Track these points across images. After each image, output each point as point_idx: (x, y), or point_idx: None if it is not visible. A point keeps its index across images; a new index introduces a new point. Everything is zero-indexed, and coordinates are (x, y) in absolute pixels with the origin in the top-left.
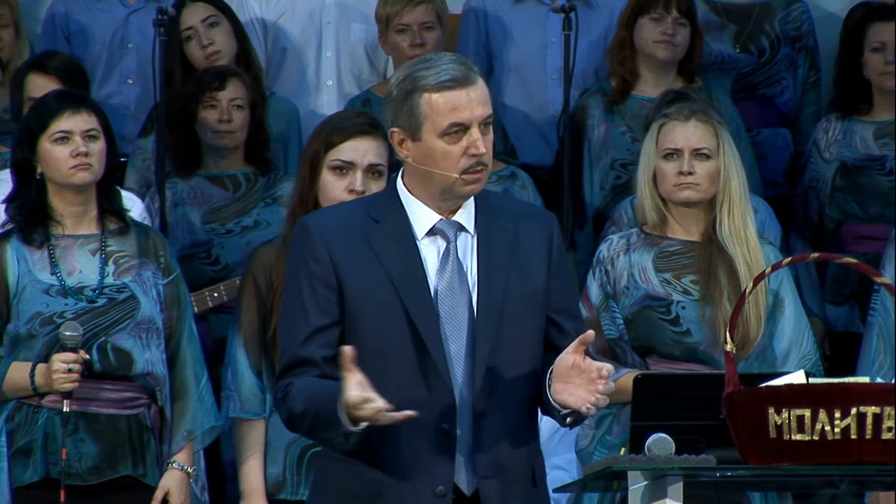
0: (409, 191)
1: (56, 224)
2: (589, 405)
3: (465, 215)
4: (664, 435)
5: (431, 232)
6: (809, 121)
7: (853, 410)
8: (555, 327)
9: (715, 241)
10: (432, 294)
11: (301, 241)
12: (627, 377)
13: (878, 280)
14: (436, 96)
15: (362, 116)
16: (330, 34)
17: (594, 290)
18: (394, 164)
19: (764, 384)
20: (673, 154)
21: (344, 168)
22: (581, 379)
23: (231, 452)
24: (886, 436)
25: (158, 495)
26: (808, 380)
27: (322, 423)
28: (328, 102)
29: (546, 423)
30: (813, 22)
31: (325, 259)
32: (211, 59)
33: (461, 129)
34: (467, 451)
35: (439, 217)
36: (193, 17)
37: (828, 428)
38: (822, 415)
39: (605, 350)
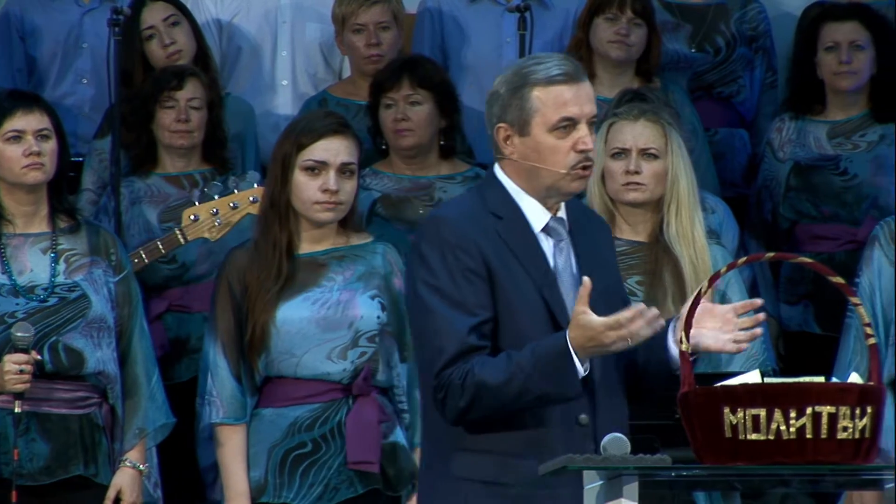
0: (515, 184)
1: (7, 223)
2: (734, 343)
3: (563, 212)
4: (619, 434)
5: (544, 229)
6: (767, 121)
7: (808, 410)
8: None
9: (662, 241)
10: (560, 289)
11: (445, 234)
12: None
13: (832, 280)
14: (547, 90)
15: (332, 117)
16: (285, 34)
17: None
18: (362, 164)
19: (719, 384)
20: (621, 153)
21: (316, 168)
22: (715, 321)
23: (209, 458)
24: (842, 435)
25: (111, 494)
26: (763, 379)
27: (543, 375)
28: (283, 103)
29: None
30: (769, 22)
31: (476, 252)
32: (172, 59)
33: (570, 124)
34: (595, 439)
35: (550, 215)
36: (154, 16)
37: (783, 427)
38: (778, 414)
39: None
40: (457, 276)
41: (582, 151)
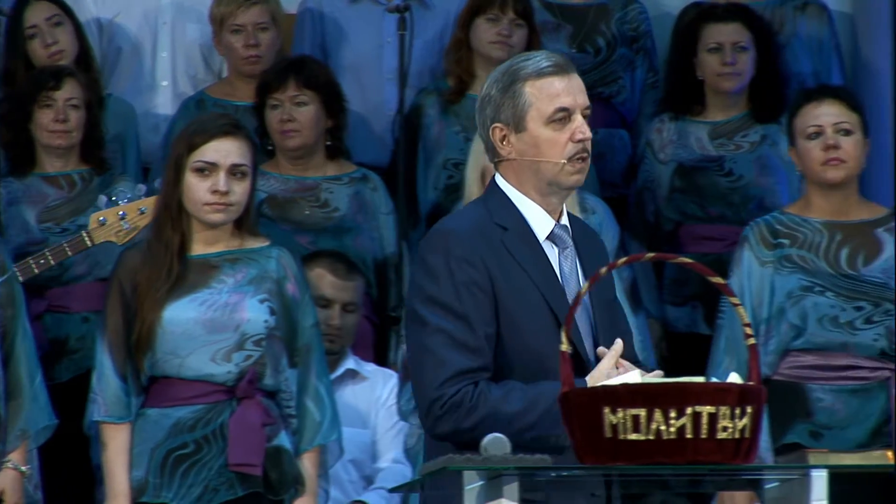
0: (517, 190)
1: None
2: None
3: (566, 221)
4: (500, 435)
5: (549, 237)
6: (648, 121)
7: (688, 410)
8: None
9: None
10: (568, 298)
11: (450, 246)
12: None
13: (712, 280)
14: (539, 83)
15: (224, 118)
16: (165, 34)
17: None
18: (257, 166)
19: (599, 384)
20: None
21: (206, 169)
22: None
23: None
24: (721, 435)
25: None
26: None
27: (556, 419)
28: (163, 103)
29: (382, 419)
30: (651, 23)
31: (481, 265)
32: (54, 59)
33: (566, 115)
34: None
35: (554, 222)
36: (37, 15)
37: (663, 427)
38: (658, 414)
39: None
40: (461, 289)
41: (580, 141)
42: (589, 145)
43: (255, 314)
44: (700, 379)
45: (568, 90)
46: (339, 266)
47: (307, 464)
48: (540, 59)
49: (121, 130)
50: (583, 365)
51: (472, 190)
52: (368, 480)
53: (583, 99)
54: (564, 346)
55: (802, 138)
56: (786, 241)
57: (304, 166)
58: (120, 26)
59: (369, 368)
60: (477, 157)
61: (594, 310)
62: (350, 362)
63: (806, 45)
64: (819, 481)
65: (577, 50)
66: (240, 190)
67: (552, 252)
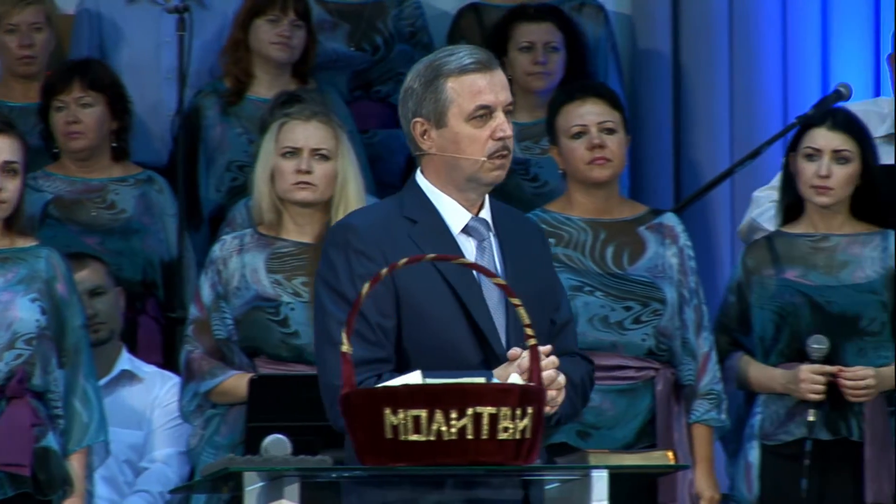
0: (434, 186)
1: None
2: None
3: (487, 214)
4: (281, 436)
5: (464, 229)
6: None
7: (469, 411)
8: (552, 325)
9: None
10: (481, 290)
11: (349, 240)
12: (236, 379)
13: (494, 282)
14: (462, 79)
15: None
16: None
17: (206, 290)
18: (34, 166)
19: (380, 384)
20: (293, 153)
21: None
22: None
23: None
24: (502, 436)
25: None
26: (424, 380)
27: None
28: None
29: (156, 417)
30: (426, 18)
31: (380, 258)
32: None
33: (487, 112)
34: None
35: (470, 215)
36: None
37: (444, 428)
38: (439, 415)
39: (215, 350)
40: (358, 282)
41: (500, 139)
42: (510, 143)
43: (26, 313)
44: (481, 380)
45: (490, 87)
46: (70, 260)
47: (75, 465)
48: (463, 55)
49: None
50: (497, 359)
51: (263, 190)
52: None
53: (505, 96)
54: (345, 348)
55: (566, 137)
56: (552, 241)
57: (89, 168)
58: None
59: (146, 369)
60: (266, 158)
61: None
62: (125, 363)
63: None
64: (600, 482)
65: (355, 48)
66: (11, 188)
67: (468, 245)
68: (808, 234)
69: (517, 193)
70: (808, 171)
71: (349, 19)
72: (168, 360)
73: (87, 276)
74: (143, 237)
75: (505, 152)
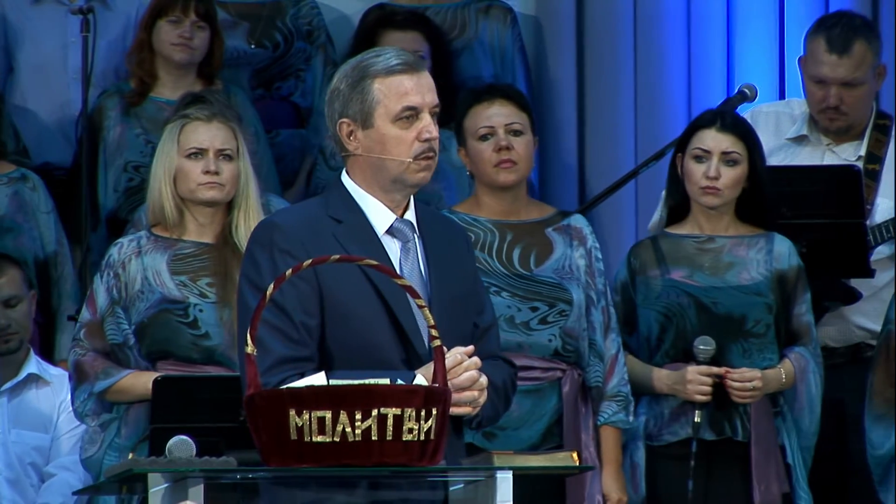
0: (359, 186)
1: None
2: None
3: (412, 215)
4: (185, 437)
5: (389, 230)
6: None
7: (374, 412)
8: (475, 329)
9: (231, 243)
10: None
11: (273, 239)
12: (132, 377)
13: (398, 282)
14: (388, 80)
15: None
16: None
17: (101, 293)
18: None
19: (285, 386)
20: (198, 153)
21: None
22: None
23: None
24: (407, 437)
25: None
26: (328, 381)
27: None
28: None
29: (62, 422)
30: (323, 17)
31: (305, 257)
32: None
33: (413, 113)
34: None
35: (395, 216)
36: None
37: (349, 429)
38: (344, 416)
39: (107, 354)
40: (284, 281)
41: (426, 140)
42: (436, 144)
43: None
44: (385, 381)
45: (417, 88)
46: None
47: None
48: (390, 56)
49: None
50: (419, 359)
51: (164, 192)
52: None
53: (431, 97)
54: (250, 349)
55: (474, 139)
56: None
57: None
58: None
59: (53, 372)
60: (167, 159)
61: (434, 305)
62: (33, 366)
63: (488, 48)
64: (505, 483)
65: (255, 45)
66: None
67: (392, 246)
68: (694, 235)
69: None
70: (696, 172)
71: (248, 18)
72: (45, 358)
73: (5, 284)
74: (17, 236)
75: (431, 154)
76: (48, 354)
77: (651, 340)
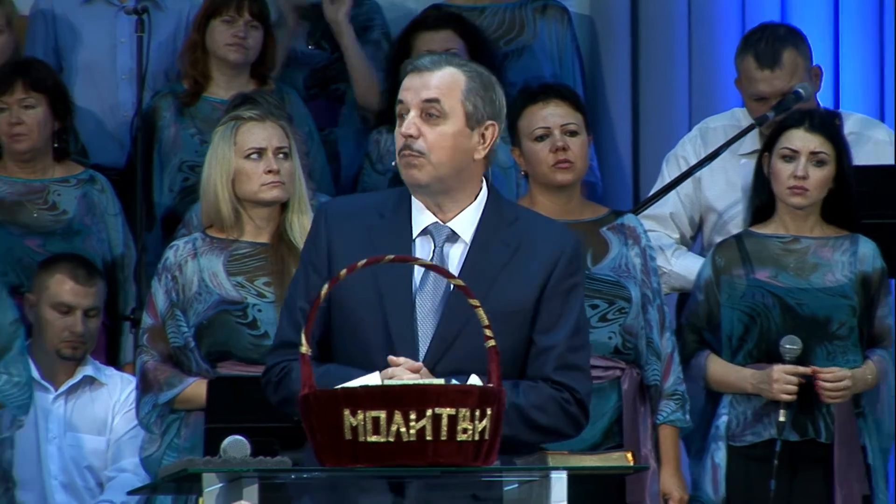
0: None
1: None
2: None
3: (463, 222)
4: (240, 437)
5: (424, 232)
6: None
7: (428, 412)
8: (532, 347)
9: (286, 241)
10: (413, 296)
11: (313, 224)
12: (195, 386)
13: (453, 282)
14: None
15: None
16: None
17: (160, 297)
18: None
19: (339, 386)
20: (258, 154)
21: None
22: None
23: None
24: (461, 437)
25: None
26: (382, 381)
27: None
28: None
29: (118, 425)
30: (384, 16)
31: (323, 248)
32: None
33: (404, 110)
34: None
35: (434, 219)
36: None
37: (403, 429)
38: (398, 416)
39: (170, 358)
40: (303, 266)
41: (404, 137)
42: (413, 142)
43: None
44: (440, 381)
45: (411, 85)
46: (80, 271)
47: None
48: (418, 57)
49: None
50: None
51: (222, 194)
52: (104, 488)
53: (426, 93)
54: (304, 349)
55: (529, 140)
56: None
57: (31, 169)
58: None
59: (108, 373)
60: (224, 161)
61: (451, 317)
62: (88, 368)
63: (546, 48)
64: (559, 483)
65: (313, 46)
66: None
67: (424, 249)
68: (779, 236)
69: None
70: (784, 171)
71: (309, 17)
72: (111, 361)
73: (92, 294)
74: (85, 238)
75: (407, 151)
76: (113, 358)
77: (733, 340)
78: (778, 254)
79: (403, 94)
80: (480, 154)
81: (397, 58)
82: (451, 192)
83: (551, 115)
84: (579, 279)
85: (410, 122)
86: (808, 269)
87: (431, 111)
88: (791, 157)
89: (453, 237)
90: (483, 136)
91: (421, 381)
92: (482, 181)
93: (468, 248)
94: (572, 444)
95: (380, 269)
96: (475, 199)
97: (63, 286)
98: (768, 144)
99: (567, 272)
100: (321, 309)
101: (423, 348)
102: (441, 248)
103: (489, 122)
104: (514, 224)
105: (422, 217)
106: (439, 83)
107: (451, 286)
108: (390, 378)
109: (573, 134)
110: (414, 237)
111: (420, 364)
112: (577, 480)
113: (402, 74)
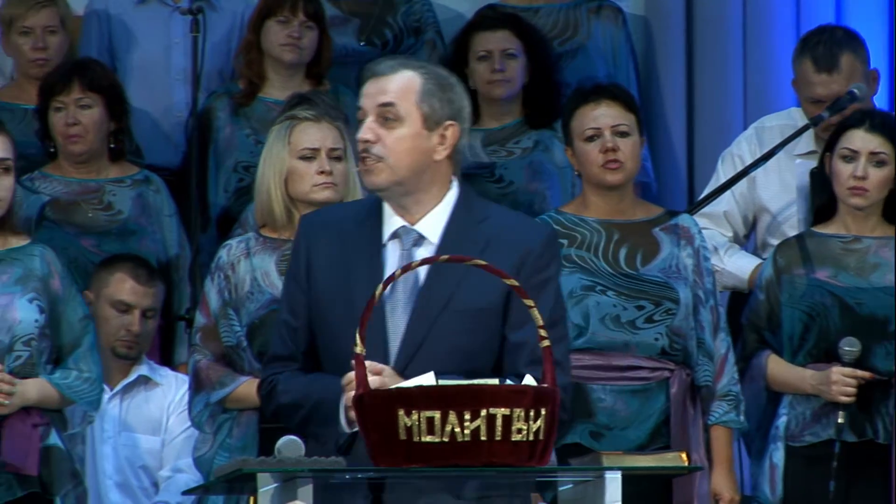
0: None
1: None
2: None
3: (430, 223)
4: (294, 437)
5: (395, 236)
6: None
7: (483, 412)
8: (505, 343)
9: None
10: (383, 300)
11: (295, 236)
12: (247, 385)
13: (507, 282)
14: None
15: None
16: None
17: (213, 296)
18: (32, 167)
19: (395, 386)
20: (311, 154)
21: None
22: None
23: None
24: (516, 437)
25: None
26: (437, 381)
27: (320, 420)
28: None
29: (172, 425)
30: (436, 15)
31: (303, 258)
32: None
33: (363, 115)
34: None
35: (402, 223)
36: None
37: (457, 429)
38: (452, 416)
39: (223, 357)
40: (286, 279)
41: (361, 142)
42: (371, 147)
43: (25, 314)
44: (494, 381)
45: (366, 91)
46: (141, 271)
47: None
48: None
49: None
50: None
51: (275, 194)
52: (159, 487)
53: (381, 98)
54: (359, 349)
55: (580, 140)
56: (564, 241)
57: (87, 169)
58: None
59: (163, 373)
60: (278, 160)
61: (424, 313)
62: (143, 368)
63: (601, 48)
64: (614, 483)
65: (365, 43)
66: (6, 185)
67: (394, 253)
68: (840, 235)
69: (484, 195)
70: (844, 172)
71: (359, 14)
72: (165, 361)
73: (152, 295)
74: (140, 238)
75: (365, 155)
76: (168, 358)
77: (794, 340)
78: (838, 253)
79: (362, 101)
80: (441, 155)
81: (455, 59)
82: (414, 194)
83: (602, 115)
84: (552, 273)
85: (367, 127)
86: (869, 268)
87: (388, 115)
88: (851, 157)
89: (421, 240)
90: (443, 136)
91: (475, 382)
92: (451, 181)
93: (436, 249)
94: (617, 446)
95: (352, 275)
96: (442, 199)
97: (123, 285)
98: (829, 144)
99: (536, 267)
100: (304, 319)
101: (393, 351)
102: (409, 252)
103: (448, 122)
104: (484, 222)
105: (392, 221)
106: (394, 87)
107: (420, 288)
108: (349, 382)
109: (624, 135)
110: (384, 242)
111: (382, 366)
112: (625, 481)
113: (361, 81)
